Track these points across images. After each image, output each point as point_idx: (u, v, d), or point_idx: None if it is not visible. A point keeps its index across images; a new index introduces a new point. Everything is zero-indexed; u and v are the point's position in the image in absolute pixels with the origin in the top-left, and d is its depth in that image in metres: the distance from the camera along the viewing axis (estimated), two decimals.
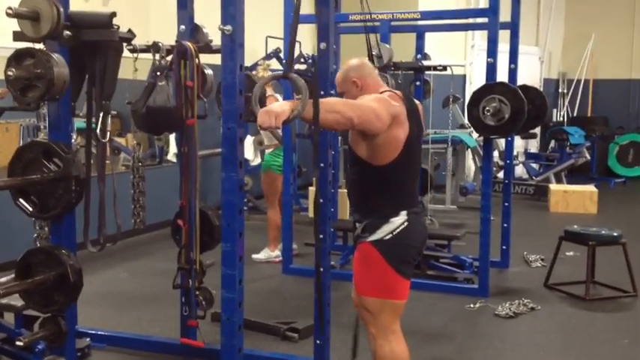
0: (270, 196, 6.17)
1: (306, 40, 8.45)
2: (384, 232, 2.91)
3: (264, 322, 4.38)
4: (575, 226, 5.47)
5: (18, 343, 2.92)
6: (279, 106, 2.61)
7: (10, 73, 2.68)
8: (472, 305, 4.96)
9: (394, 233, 2.91)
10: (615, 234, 5.30)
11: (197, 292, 3.76)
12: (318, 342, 3.51)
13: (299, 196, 8.22)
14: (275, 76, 2.93)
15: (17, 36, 2.82)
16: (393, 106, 2.85)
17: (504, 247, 6.05)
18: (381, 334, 2.99)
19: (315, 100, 2.65)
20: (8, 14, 2.66)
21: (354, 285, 3.05)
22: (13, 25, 2.81)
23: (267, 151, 6.22)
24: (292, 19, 2.89)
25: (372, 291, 2.95)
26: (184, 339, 3.87)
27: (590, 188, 9.32)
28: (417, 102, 3.17)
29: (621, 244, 5.27)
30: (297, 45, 7.39)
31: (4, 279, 3.63)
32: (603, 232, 5.31)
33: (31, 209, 2.92)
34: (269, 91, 5.32)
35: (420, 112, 3.11)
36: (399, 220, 2.92)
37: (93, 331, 4.08)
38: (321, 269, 3.21)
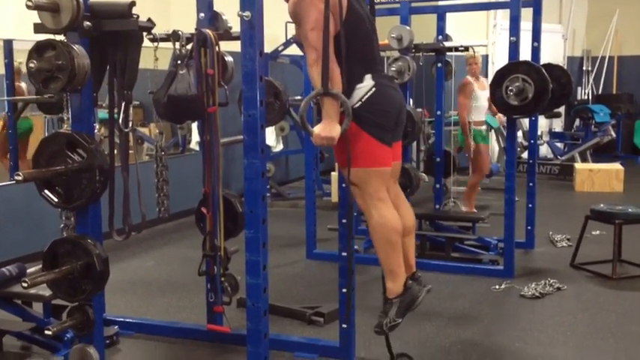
0: None
1: None
2: (352, 100, 2.98)
3: (290, 306, 4.40)
4: (602, 205, 5.41)
5: (47, 332, 2.95)
6: (331, 128, 2.87)
7: (31, 65, 2.68)
8: (498, 287, 4.95)
9: (363, 100, 2.99)
10: None
11: (222, 279, 3.77)
12: (344, 326, 3.53)
13: (322, 181, 8.22)
14: (317, 93, 2.91)
15: (38, 28, 2.84)
16: None
17: (529, 228, 6.01)
18: (369, 205, 3.06)
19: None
20: (28, 6, 2.67)
21: (337, 163, 3.13)
22: (34, 17, 2.82)
23: None
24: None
25: (353, 162, 2.98)
26: (211, 325, 3.90)
27: (616, 166, 9.22)
28: None
29: None
30: None
31: (32, 269, 3.68)
32: (630, 210, 5.24)
33: (56, 200, 2.94)
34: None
35: None
36: (366, 85, 2.99)
37: (121, 319, 4.13)
38: (345, 254, 3.22)
